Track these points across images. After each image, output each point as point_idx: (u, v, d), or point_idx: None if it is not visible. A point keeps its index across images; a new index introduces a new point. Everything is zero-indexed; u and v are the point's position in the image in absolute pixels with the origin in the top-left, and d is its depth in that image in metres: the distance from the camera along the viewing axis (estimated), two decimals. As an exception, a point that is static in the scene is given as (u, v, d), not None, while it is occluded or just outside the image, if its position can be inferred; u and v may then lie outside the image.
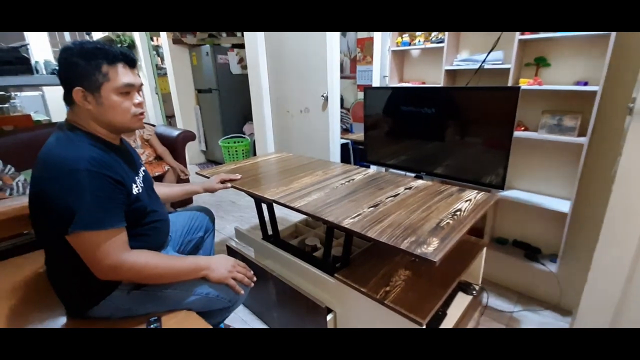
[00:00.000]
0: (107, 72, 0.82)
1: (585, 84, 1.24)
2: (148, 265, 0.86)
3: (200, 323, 0.93)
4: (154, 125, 2.44)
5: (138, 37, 3.96)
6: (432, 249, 0.84)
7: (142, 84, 0.92)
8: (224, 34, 3.82)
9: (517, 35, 1.27)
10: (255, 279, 1.04)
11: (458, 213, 1.04)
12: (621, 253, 1.09)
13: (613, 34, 1.08)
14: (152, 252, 0.89)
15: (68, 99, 0.84)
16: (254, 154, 3.52)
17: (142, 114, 0.91)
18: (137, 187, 0.91)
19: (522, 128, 1.41)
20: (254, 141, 3.28)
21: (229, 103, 3.80)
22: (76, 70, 0.80)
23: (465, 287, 1.30)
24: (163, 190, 1.25)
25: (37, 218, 0.86)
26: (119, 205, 0.83)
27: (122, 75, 0.84)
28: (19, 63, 2.20)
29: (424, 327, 0.91)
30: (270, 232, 1.53)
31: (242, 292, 0.99)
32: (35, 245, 1.30)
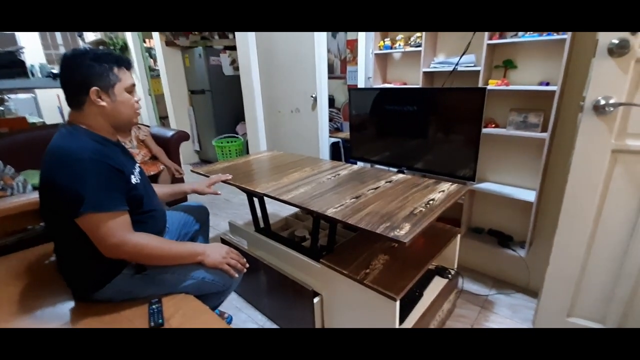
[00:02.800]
0: (118, 74, 0.95)
1: (547, 84, 1.37)
2: (149, 245, 0.95)
3: (197, 304, 1.03)
4: (148, 126, 2.52)
5: (131, 39, 4.02)
6: (404, 232, 0.94)
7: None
8: (216, 36, 3.90)
9: (486, 40, 1.39)
10: (247, 265, 1.14)
11: (431, 202, 1.15)
12: (577, 236, 1.21)
13: (568, 39, 1.21)
14: (153, 236, 0.99)
15: (78, 99, 0.93)
16: (247, 154, 3.61)
17: (139, 109, 1.05)
18: (134, 177, 1.02)
19: (493, 125, 1.53)
20: (247, 141, 3.37)
21: (222, 104, 3.88)
22: (92, 72, 0.91)
23: (442, 272, 1.41)
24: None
25: (48, 207, 0.95)
26: (121, 190, 0.93)
27: (128, 76, 0.99)
28: (15, 66, 2.26)
29: (398, 301, 1.02)
30: (262, 225, 1.63)
31: (236, 275, 1.09)
32: (39, 239, 1.38)
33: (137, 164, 1.12)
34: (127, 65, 0.99)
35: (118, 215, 0.90)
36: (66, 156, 0.87)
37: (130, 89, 0.99)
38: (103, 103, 0.94)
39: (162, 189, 1.36)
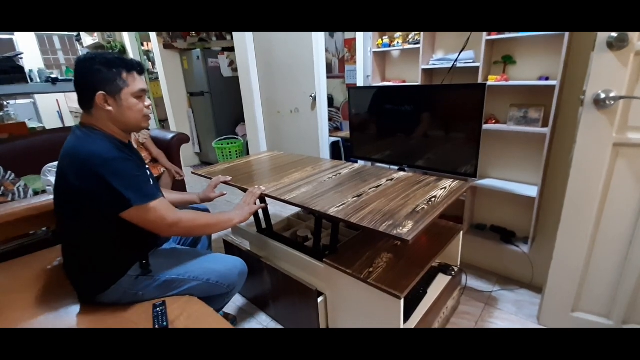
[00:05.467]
0: (127, 79, 0.95)
1: (547, 79, 1.36)
2: (196, 219, 1.05)
3: (202, 306, 1.03)
4: (148, 129, 2.52)
5: (128, 42, 4.02)
6: (407, 230, 0.94)
7: (149, 90, 1.04)
8: (214, 38, 3.89)
9: (484, 36, 1.38)
10: (261, 190, 1.28)
11: (433, 199, 1.15)
12: (580, 230, 1.21)
13: (566, 34, 1.20)
14: (191, 211, 1.13)
15: (87, 103, 0.95)
16: (247, 155, 3.61)
17: (149, 114, 1.05)
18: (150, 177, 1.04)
19: (494, 121, 1.53)
20: (247, 142, 3.37)
21: (221, 105, 3.88)
22: (99, 77, 0.92)
23: (445, 269, 1.41)
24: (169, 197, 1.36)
25: (70, 209, 0.96)
26: (152, 181, 1.01)
27: (138, 81, 0.98)
28: (15, 72, 2.26)
29: (402, 299, 1.02)
30: (264, 225, 1.63)
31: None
32: (42, 244, 1.38)
33: (147, 166, 1.13)
34: (139, 70, 0.99)
35: (162, 201, 0.96)
36: (93, 159, 0.88)
37: (139, 94, 0.98)
38: (109, 108, 0.95)
39: (171, 196, 1.36)
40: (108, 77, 0.92)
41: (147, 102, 1.03)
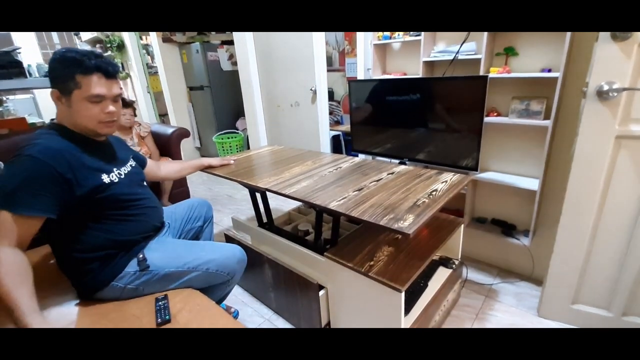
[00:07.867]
0: (80, 81, 0.89)
1: (549, 70, 1.35)
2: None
3: (203, 299, 1.04)
4: (149, 124, 2.51)
5: (127, 36, 3.99)
6: (408, 223, 0.94)
7: (118, 94, 0.97)
8: (212, 31, 3.86)
9: (487, 28, 1.37)
10: None
11: (434, 193, 1.15)
12: (581, 223, 1.21)
13: (570, 25, 1.19)
14: (18, 265, 0.81)
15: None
16: (248, 149, 3.60)
17: (111, 121, 0.97)
18: (110, 176, 0.99)
19: (495, 114, 1.52)
20: (247, 136, 3.36)
21: (221, 99, 3.86)
22: (54, 74, 0.91)
23: (446, 262, 1.41)
24: (175, 167, 1.49)
25: None
26: (49, 195, 0.85)
27: (95, 85, 0.90)
28: (12, 67, 2.25)
29: (403, 293, 1.02)
30: (265, 220, 1.63)
31: None
32: (42, 240, 1.38)
33: (129, 162, 1.12)
34: (105, 72, 0.91)
35: (17, 220, 0.82)
36: (28, 148, 0.86)
37: (95, 100, 0.91)
38: (62, 107, 0.93)
39: (184, 164, 1.50)
40: (61, 76, 0.89)
41: (110, 108, 0.94)
